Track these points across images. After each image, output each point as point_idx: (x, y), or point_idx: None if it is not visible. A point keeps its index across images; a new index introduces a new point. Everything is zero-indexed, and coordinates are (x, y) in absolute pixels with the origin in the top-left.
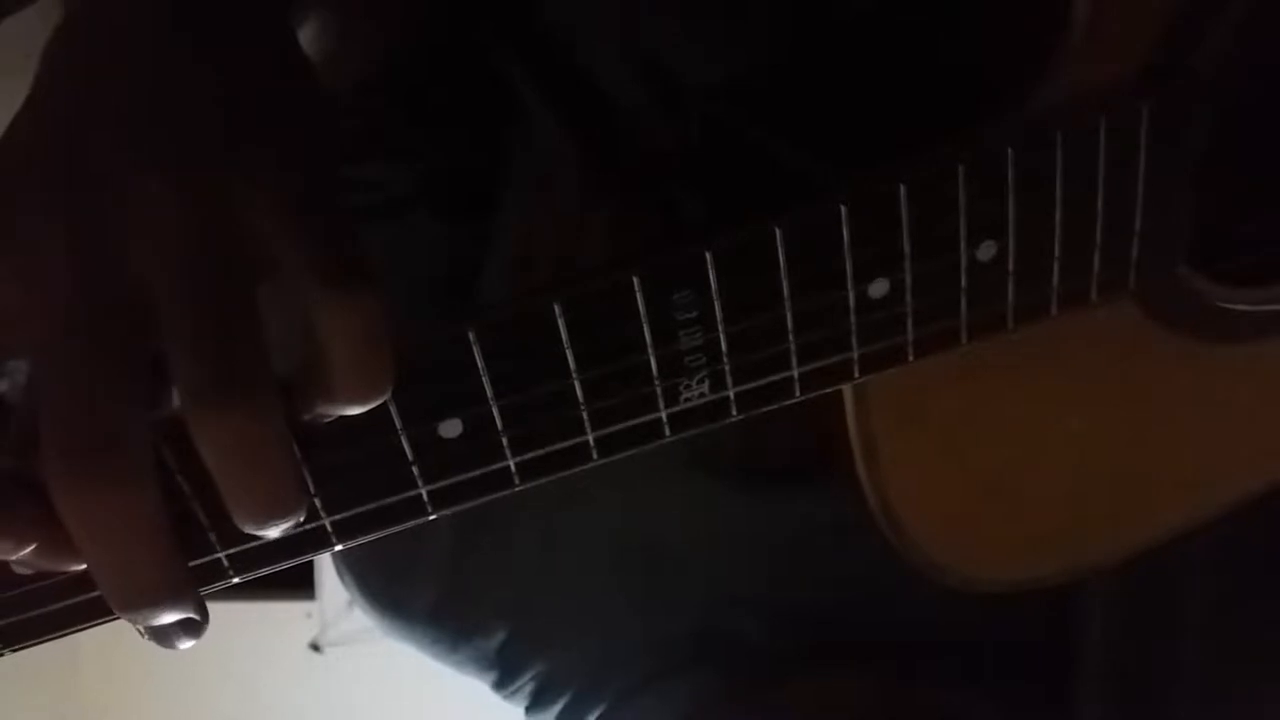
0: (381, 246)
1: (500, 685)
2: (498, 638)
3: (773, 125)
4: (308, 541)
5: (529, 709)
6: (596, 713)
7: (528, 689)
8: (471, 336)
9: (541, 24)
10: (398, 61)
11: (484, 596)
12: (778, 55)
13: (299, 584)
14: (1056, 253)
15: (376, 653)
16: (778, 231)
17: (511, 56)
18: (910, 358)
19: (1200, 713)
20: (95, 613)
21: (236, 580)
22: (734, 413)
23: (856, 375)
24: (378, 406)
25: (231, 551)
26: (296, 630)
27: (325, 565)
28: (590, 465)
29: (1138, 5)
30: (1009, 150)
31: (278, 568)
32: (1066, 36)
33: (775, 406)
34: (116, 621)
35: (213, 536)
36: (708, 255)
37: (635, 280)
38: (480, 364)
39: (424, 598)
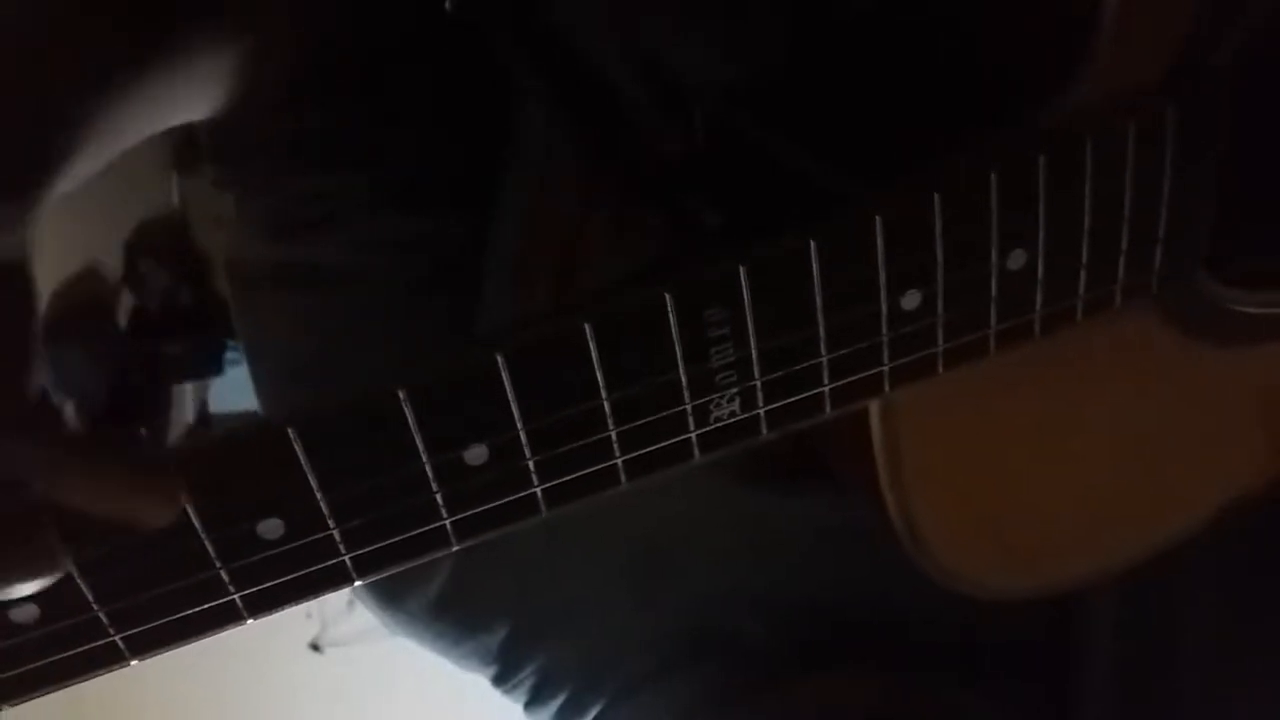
0: (352, 249)
1: (500, 680)
2: (500, 632)
3: (773, 126)
4: (327, 579)
5: (528, 705)
6: (595, 710)
7: (527, 684)
8: (500, 359)
9: (542, 22)
10: (343, 59)
11: (487, 591)
12: (777, 55)
13: None
14: (1084, 259)
15: (376, 653)
16: (812, 244)
17: (515, 54)
18: (940, 369)
19: (1202, 715)
20: (101, 662)
21: (250, 622)
22: (764, 431)
23: (887, 389)
24: (401, 433)
25: (247, 592)
26: (296, 630)
27: None
28: (618, 489)
29: (1164, 6)
30: (1041, 156)
31: (294, 606)
32: (1094, 38)
33: (806, 423)
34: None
35: (225, 577)
36: (741, 270)
37: (668, 297)
38: (509, 388)
39: (426, 592)
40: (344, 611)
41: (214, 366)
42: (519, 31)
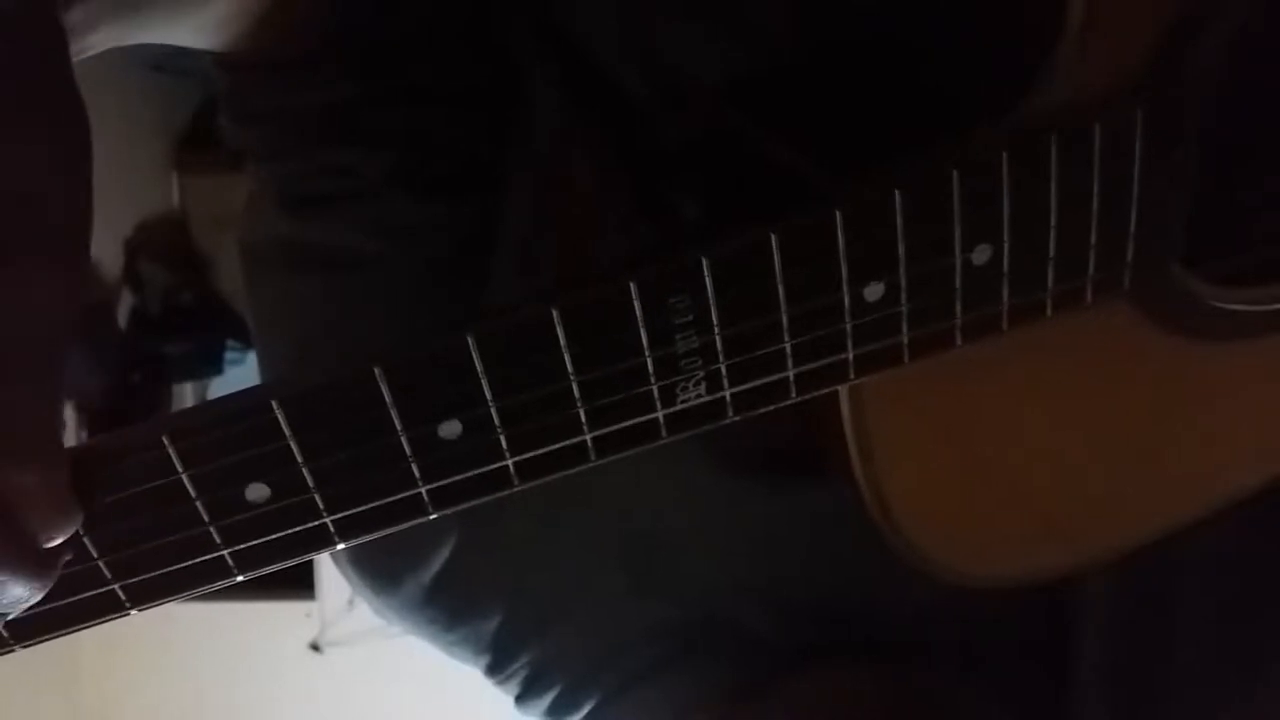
0: (362, 231)
1: (493, 670)
2: (494, 621)
3: (772, 124)
4: (311, 540)
5: (519, 698)
6: (589, 705)
7: (520, 676)
8: (471, 341)
9: (550, 20)
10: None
11: (482, 578)
12: (776, 55)
13: (299, 584)
14: (1051, 255)
15: (376, 653)
16: (774, 238)
17: (526, 49)
18: (906, 359)
19: (1197, 713)
20: (103, 610)
21: (240, 578)
22: (730, 413)
23: (852, 376)
24: (378, 408)
25: (236, 549)
26: (296, 630)
27: (325, 566)
28: (588, 465)
29: (1133, 8)
30: (1003, 155)
31: (281, 566)
32: (1061, 40)
33: (771, 407)
34: (119, 620)
35: (215, 534)
36: (704, 261)
37: (632, 286)
38: (479, 367)
39: (420, 577)
40: (344, 611)
41: (214, 366)
42: (528, 21)
